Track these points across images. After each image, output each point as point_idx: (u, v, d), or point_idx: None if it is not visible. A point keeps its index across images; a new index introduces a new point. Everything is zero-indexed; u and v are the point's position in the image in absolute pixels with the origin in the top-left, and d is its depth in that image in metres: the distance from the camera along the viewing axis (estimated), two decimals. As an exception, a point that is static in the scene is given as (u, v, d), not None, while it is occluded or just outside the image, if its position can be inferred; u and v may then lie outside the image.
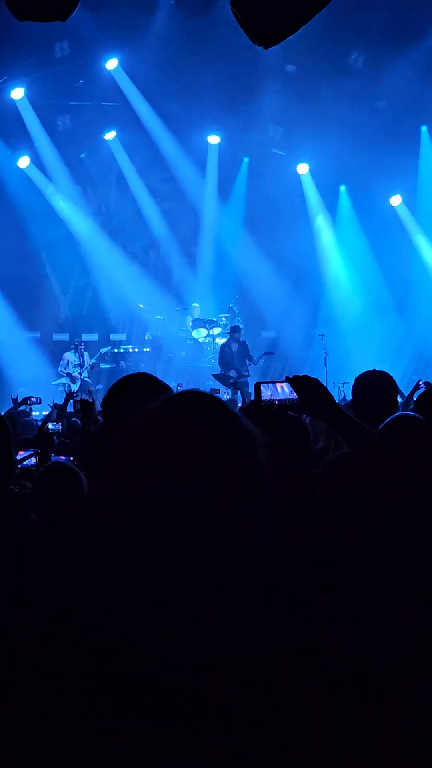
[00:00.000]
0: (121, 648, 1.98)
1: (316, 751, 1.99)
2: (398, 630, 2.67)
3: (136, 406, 3.09)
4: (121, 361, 20.60)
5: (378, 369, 5.14)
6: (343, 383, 15.12)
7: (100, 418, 6.66)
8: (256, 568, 2.06)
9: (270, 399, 3.31)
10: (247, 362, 19.41)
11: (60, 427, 9.54)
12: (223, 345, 19.93)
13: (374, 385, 4.87)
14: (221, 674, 1.96)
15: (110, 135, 21.65)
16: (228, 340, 19.89)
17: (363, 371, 5.12)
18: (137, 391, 3.29)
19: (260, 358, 19.39)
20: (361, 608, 2.51)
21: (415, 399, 10.89)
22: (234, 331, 19.76)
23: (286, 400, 3.30)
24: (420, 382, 10.62)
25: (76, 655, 2.03)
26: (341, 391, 16.23)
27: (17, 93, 19.67)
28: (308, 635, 2.05)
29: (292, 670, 2.00)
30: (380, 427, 3.71)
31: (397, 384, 5.36)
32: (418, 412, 4.20)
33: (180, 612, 2.00)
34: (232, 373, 19.03)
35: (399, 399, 7.12)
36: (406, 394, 10.62)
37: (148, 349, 21.63)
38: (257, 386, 3.33)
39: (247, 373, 19.11)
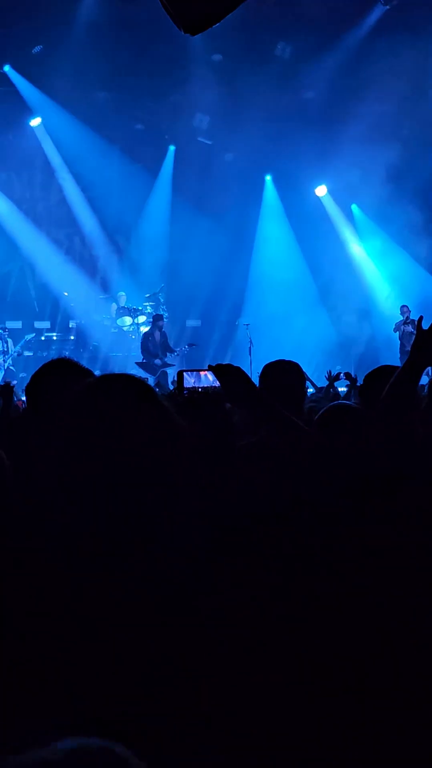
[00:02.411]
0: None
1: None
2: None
3: (59, 392, 3.09)
4: (44, 352, 20.40)
5: (286, 359, 5.16)
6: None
7: (21, 405, 6.59)
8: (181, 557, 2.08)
9: (193, 386, 3.32)
10: (167, 353, 19.48)
11: None
12: (146, 333, 19.93)
13: (282, 374, 4.89)
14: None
15: (35, 121, 21.42)
16: (151, 328, 19.90)
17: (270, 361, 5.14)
18: (60, 377, 3.29)
19: (183, 349, 19.43)
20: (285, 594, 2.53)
21: (340, 388, 11.04)
22: (157, 319, 19.77)
23: (208, 387, 3.31)
24: (341, 374, 10.70)
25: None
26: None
27: None
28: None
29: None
30: (316, 417, 3.75)
31: (308, 374, 5.36)
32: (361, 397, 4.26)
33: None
34: (157, 362, 19.04)
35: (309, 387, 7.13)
36: (321, 384, 10.74)
37: (72, 337, 21.49)
38: (180, 374, 3.35)
39: (172, 363, 19.15)
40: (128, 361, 19.91)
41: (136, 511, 2.10)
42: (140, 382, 2.30)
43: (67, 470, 2.16)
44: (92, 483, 2.11)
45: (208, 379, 3.31)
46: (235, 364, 3.33)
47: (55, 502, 2.17)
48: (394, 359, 18.20)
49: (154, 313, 20.56)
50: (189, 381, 3.34)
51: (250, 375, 3.33)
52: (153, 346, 19.47)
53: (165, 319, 20.54)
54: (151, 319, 20.30)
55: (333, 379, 10.27)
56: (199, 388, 3.33)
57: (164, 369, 18.66)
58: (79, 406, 2.22)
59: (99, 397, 2.23)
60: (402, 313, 20.28)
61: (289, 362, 4.97)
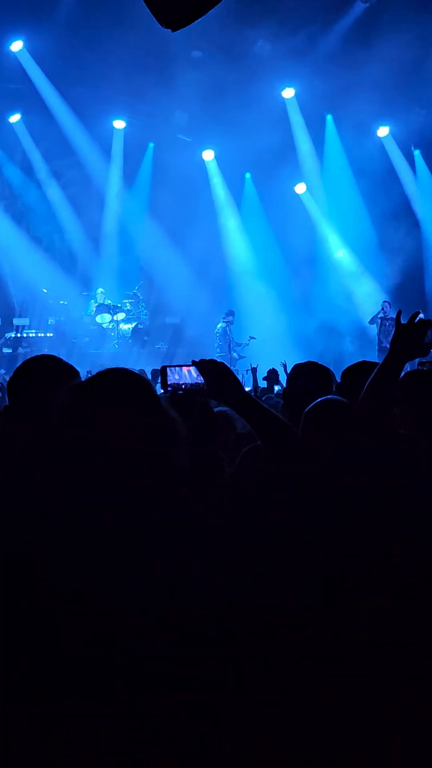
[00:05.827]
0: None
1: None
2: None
3: (43, 388, 3.07)
4: (19, 348, 20.29)
5: (314, 360, 5.04)
6: (247, 370, 15.15)
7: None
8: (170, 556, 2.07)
9: (177, 383, 3.30)
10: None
11: None
12: (225, 329, 20.86)
13: (308, 377, 4.81)
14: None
15: (15, 118, 21.29)
16: (228, 324, 20.90)
17: (301, 362, 5.02)
18: (43, 373, 3.26)
19: (246, 341, 20.84)
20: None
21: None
22: (229, 314, 21.01)
23: (192, 384, 3.28)
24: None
25: None
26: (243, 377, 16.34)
27: None
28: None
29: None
30: (305, 411, 3.73)
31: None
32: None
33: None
34: (235, 355, 20.46)
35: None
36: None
37: (51, 334, 21.40)
38: (163, 369, 3.31)
39: (243, 355, 20.61)
40: (107, 359, 19.83)
41: (132, 509, 2.07)
42: (140, 378, 2.28)
43: (62, 467, 2.12)
44: (88, 481, 2.08)
45: (192, 375, 3.28)
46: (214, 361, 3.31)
47: (46, 500, 2.13)
48: (372, 355, 18.18)
49: (228, 310, 21.28)
50: (172, 377, 3.32)
51: (232, 371, 3.32)
52: (228, 341, 20.68)
53: (145, 316, 20.82)
54: (224, 315, 21.04)
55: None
56: (182, 384, 3.30)
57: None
58: (75, 402, 2.19)
59: (98, 393, 2.20)
60: (382, 308, 20.27)
61: (317, 366, 4.88)
